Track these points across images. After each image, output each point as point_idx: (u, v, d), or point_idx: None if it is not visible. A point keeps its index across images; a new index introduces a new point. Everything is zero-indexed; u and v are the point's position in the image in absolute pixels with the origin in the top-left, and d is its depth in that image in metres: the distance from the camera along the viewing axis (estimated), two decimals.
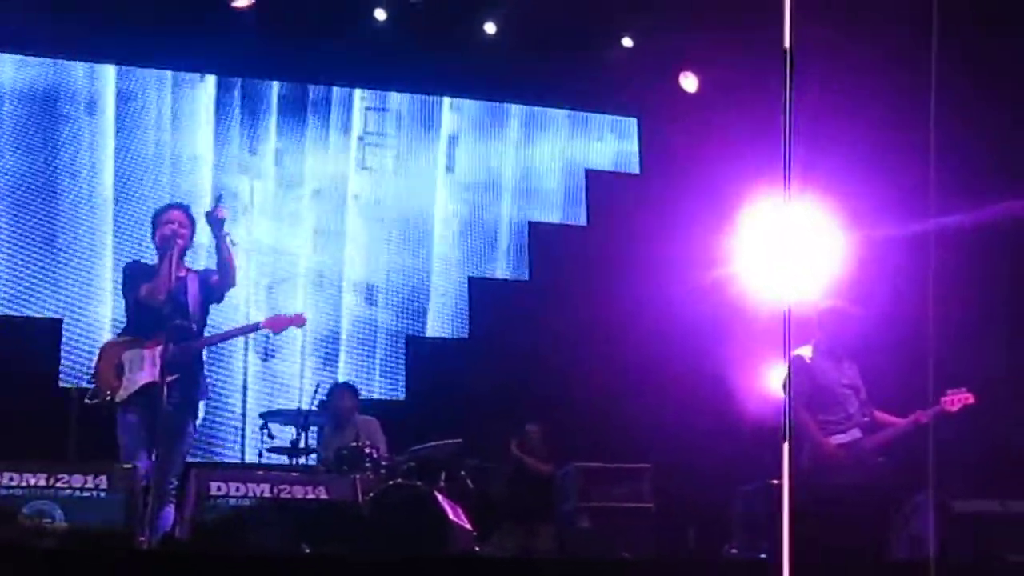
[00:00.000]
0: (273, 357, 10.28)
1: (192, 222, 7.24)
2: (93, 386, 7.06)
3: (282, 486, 6.50)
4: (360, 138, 10.97)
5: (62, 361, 9.77)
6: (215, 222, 7.00)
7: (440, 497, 7.05)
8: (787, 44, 3.64)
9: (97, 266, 10.06)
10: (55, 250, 10.03)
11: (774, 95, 3.74)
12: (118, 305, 8.92)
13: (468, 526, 7.29)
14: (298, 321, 7.71)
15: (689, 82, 10.79)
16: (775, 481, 7.45)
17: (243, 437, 10.04)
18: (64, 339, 9.83)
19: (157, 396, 6.64)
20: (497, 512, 9.30)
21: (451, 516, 6.90)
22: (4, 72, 10.14)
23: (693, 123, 10.56)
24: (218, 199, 7.10)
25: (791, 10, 3.65)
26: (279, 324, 7.60)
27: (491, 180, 11.26)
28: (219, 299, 7.36)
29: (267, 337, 9.66)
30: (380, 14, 10.22)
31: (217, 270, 7.15)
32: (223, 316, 8.24)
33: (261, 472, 6.71)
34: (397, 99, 11.09)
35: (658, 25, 10.40)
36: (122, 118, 10.36)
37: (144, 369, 6.87)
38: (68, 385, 9.55)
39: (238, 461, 9.87)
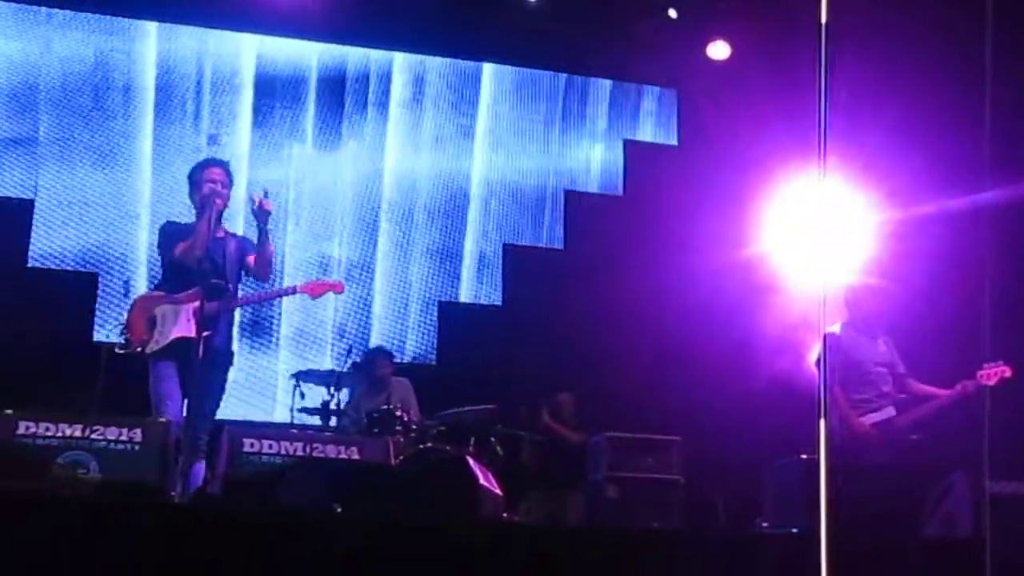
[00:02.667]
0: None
1: (231, 180, 7.25)
2: (124, 337, 7.07)
3: (315, 445, 6.51)
4: (397, 104, 10.93)
5: (96, 316, 9.81)
6: (261, 214, 7.01)
7: (471, 461, 7.04)
8: (823, 18, 3.60)
9: (133, 224, 10.09)
10: (93, 206, 10.05)
11: (811, 67, 3.70)
12: (154, 264, 9.02)
13: (498, 491, 7.29)
14: (337, 287, 7.65)
15: (719, 50, 10.68)
16: (806, 456, 7.44)
17: (275, 396, 10.05)
18: (99, 295, 9.88)
19: (190, 350, 6.66)
20: (526, 480, 9.31)
21: (481, 480, 6.89)
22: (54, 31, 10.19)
23: (731, 95, 10.48)
24: (264, 192, 7.05)
25: None
26: (317, 289, 7.54)
27: (529, 148, 11.20)
28: (248, 275, 7.39)
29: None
30: None
31: (255, 262, 7.16)
32: None
33: (295, 431, 6.71)
34: (435, 64, 11.05)
35: None
36: (161, 82, 10.37)
37: (178, 323, 6.89)
38: (102, 340, 9.59)
39: (269, 420, 9.87)
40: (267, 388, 10.11)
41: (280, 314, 10.23)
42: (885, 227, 8.80)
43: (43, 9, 10.17)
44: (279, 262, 9.96)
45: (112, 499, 5.63)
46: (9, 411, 6.19)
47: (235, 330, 7.39)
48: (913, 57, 9.04)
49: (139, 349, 6.93)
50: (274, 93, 10.62)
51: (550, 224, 11.15)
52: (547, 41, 10.71)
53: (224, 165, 7.34)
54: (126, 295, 7.17)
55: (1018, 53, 7.83)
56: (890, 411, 7.68)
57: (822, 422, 3.94)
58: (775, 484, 8.06)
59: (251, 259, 7.18)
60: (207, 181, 7.13)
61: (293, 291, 7.61)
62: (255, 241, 7.16)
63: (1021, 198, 8.00)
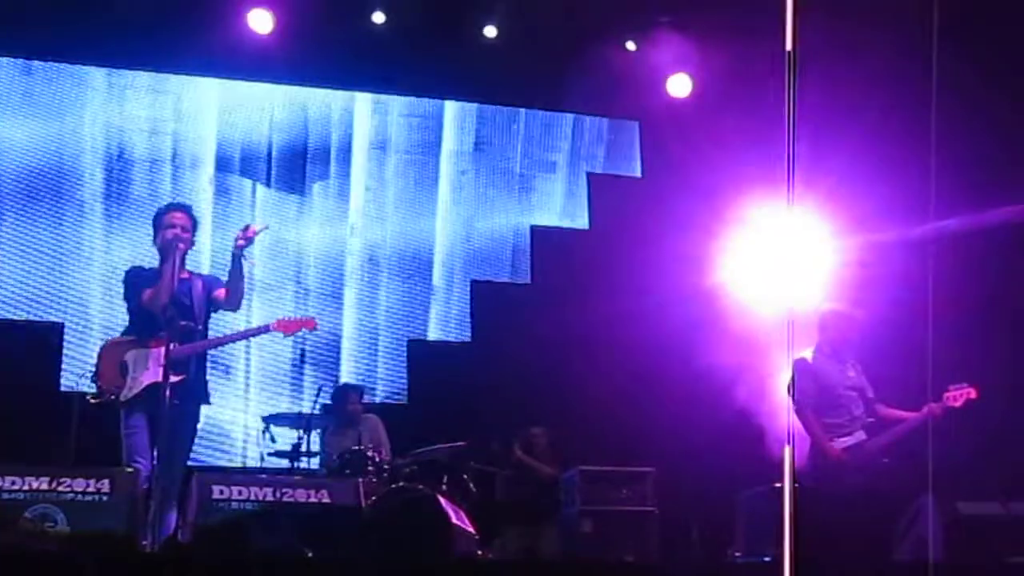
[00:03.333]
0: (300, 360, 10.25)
1: (194, 223, 7.23)
2: (96, 386, 7.03)
3: (285, 490, 6.50)
4: (360, 145, 10.95)
5: (64, 365, 9.76)
6: (238, 253, 7.01)
7: (442, 500, 7.03)
8: (789, 45, 3.63)
9: (95, 270, 10.05)
10: (56, 255, 10.01)
11: (772, 97, 3.73)
12: (116, 309, 8.98)
13: (471, 529, 7.28)
14: (309, 324, 7.63)
15: (680, 85, 10.76)
16: (778, 485, 7.45)
17: (245, 441, 10.00)
18: (65, 343, 9.82)
19: (161, 397, 6.64)
20: (500, 515, 9.30)
21: (453, 519, 6.88)
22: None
23: (693, 125, 10.54)
24: (245, 228, 7.05)
25: (792, 12, 3.64)
26: (290, 327, 7.52)
27: (493, 184, 11.23)
28: (216, 310, 7.38)
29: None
30: (378, 17, 10.20)
31: (227, 294, 7.15)
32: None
33: (264, 476, 6.69)
34: (397, 103, 11.07)
35: (659, 29, 10.41)
36: (117, 122, 10.35)
37: (149, 368, 6.88)
38: (70, 389, 9.53)
39: (241, 465, 9.82)
40: (236, 433, 10.05)
41: (249, 357, 10.18)
42: (850, 253, 8.86)
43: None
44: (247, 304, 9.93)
45: (81, 551, 5.59)
46: None
47: (207, 373, 7.32)
48: (876, 82, 9.14)
49: (112, 397, 6.89)
50: (235, 131, 10.61)
51: (516, 260, 11.16)
52: (507, 77, 10.73)
53: (187, 209, 7.34)
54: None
55: (976, 73, 7.94)
56: (861, 435, 7.73)
57: (787, 448, 3.95)
58: (747, 513, 8.08)
59: (220, 293, 7.18)
60: (168, 226, 7.12)
61: (266, 329, 7.55)
62: (222, 278, 7.15)
63: (983, 224, 8.08)
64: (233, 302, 7.21)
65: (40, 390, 9.49)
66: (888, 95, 8.97)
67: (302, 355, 9.35)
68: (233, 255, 7.04)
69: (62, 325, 9.86)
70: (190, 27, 9.80)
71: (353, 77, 10.87)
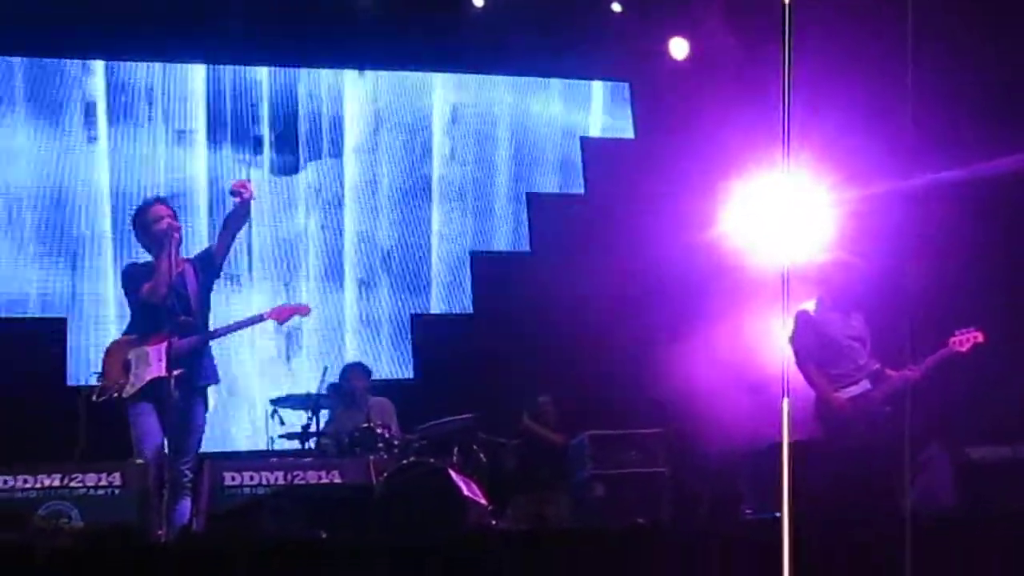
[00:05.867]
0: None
1: (176, 214, 7.25)
2: (100, 384, 7.06)
3: (296, 472, 6.53)
4: (353, 119, 10.92)
5: (68, 360, 9.78)
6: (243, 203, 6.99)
7: (453, 473, 7.05)
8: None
9: (98, 264, 10.05)
10: (58, 250, 10.02)
11: (764, 54, 3.72)
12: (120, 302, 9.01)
13: (483, 501, 7.30)
14: (302, 310, 7.69)
15: (678, 47, 10.72)
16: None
17: (254, 424, 10.03)
18: (68, 338, 9.85)
19: (165, 390, 6.67)
20: (511, 484, 9.32)
21: (465, 492, 6.90)
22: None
23: (685, 85, 10.52)
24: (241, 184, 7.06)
25: None
26: (283, 313, 7.56)
27: (487, 153, 11.21)
28: (217, 274, 7.37)
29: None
30: None
31: (218, 248, 7.18)
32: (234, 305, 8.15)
33: (275, 460, 6.72)
34: (388, 77, 11.04)
35: None
36: (114, 114, 10.31)
37: (151, 364, 6.88)
38: (76, 384, 9.56)
39: (252, 449, 9.85)
40: (246, 417, 10.07)
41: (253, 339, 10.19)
42: (848, 205, 8.85)
43: None
44: (245, 291, 9.96)
45: (96, 546, 5.62)
46: None
47: (211, 359, 7.33)
48: (874, 33, 9.08)
49: (116, 394, 6.92)
50: (226, 119, 10.58)
51: (514, 227, 11.15)
52: (496, 45, 10.69)
53: (165, 201, 7.38)
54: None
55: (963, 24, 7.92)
56: (865, 384, 7.73)
57: (784, 401, 3.96)
58: (753, 469, 8.08)
59: (215, 248, 7.21)
60: (155, 219, 7.13)
61: (261, 319, 7.54)
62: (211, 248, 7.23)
63: (988, 173, 8.08)
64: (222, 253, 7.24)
65: (47, 385, 9.49)
66: (882, 45, 8.93)
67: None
68: (235, 211, 7.06)
69: (64, 320, 9.85)
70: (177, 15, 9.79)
71: (341, 55, 10.82)
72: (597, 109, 11.49)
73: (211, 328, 7.26)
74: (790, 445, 3.94)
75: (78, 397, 8.41)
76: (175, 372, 6.68)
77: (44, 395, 9.38)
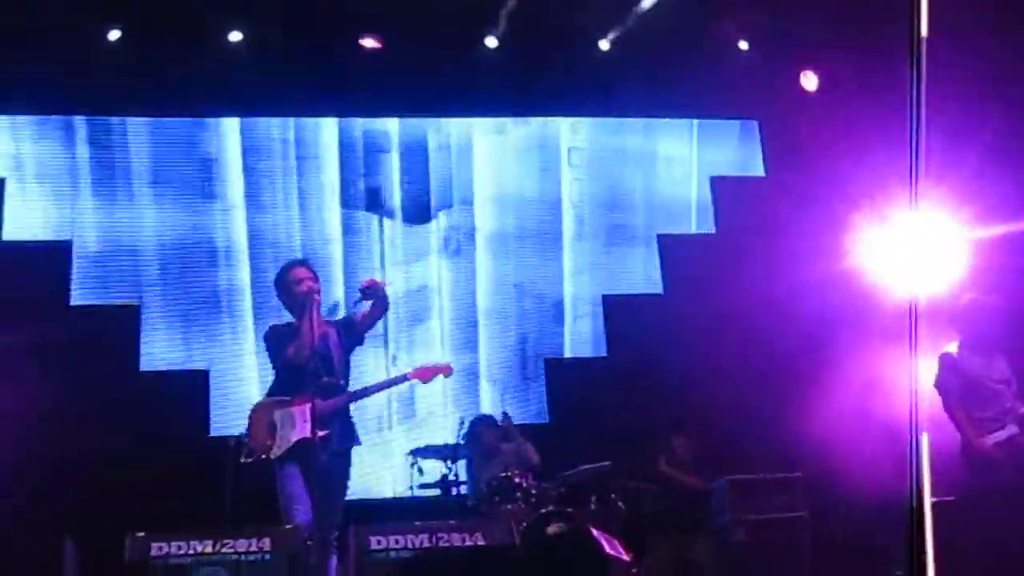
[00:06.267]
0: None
1: (316, 276, 7.40)
2: (247, 446, 7.24)
3: (440, 534, 6.58)
4: (482, 165, 10.99)
5: (211, 412, 10.00)
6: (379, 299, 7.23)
7: (594, 531, 7.06)
8: (924, 31, 3.55)
9: (239, 317, 10.27)
10: (201, 304, 10.25)
11: (897, 88, 3.67)
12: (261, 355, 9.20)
13: (625, 557, 7.29)
14: (445, 370, 7.80)
15: (809, 81, 10.63)
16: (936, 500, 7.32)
17: (393, 474, 10.12)
18: (212, 390, 10.07)
19: (311, 451, 6.82)
20: (650, 529, 9.29)
21: (607, 550, 6.91)
22: (139, 136, 10.38)
23: (814, 120, 10.40)
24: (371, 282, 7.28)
25: None
26: (426, 374, 7.66)
27: (617, 195, 11.19)
28: (360, 341, 7.52)
29: None
30: (491, 42, 10.26)
31: (365, 319, 7.36)
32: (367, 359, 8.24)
33: (419, 523, 6.82)
34: (516, 123, 11.10)
35: (774, 25, 10.29)
36: (249, 169, 10.52)
37: (296, 427, 7.02)
38: (218, 435, 9.76)
39: (390, 497, 9.95)
40: (386, 468, 10.17)
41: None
42: (985, 243, 8.68)
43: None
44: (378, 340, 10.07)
45: None
46: (141, 533, 6.37)
47: (351, 420, 7.45)
48: (1014, 71, 8.92)
49: (263, 456, 7.06)
50: (358, 170, 10.73)
51: (646, 269, 11.12)
52: (623, 87, 10.68)
53: (306, 263, 7.56)
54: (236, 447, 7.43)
55: None
56: (1012, 428, 7.58)
57: (918, 443, 3.85)
58: (895, 523, 7.91)
59: (360, 317, 7.40)
60: (296, 281, 7.29)
61: (404, 379, 7.68)
62: (354, 318, 7.42)
63: None
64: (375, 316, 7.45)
65: (191, 437, 9.71)
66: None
67: None
68: (374, 307, 7.24)
69: (207, 373, 10.08)
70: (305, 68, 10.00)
71: (466, 103, 10.89)
72: (727, 148, 11.38)
73: (352, 389, 7.39)
74: (936, 505, 3.86)
75: (227, 450, 8.61)
76: (320, 434, 6.82)
77: (188, 447, 9.57)
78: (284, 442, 7.03)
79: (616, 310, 10.96)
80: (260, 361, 9.54)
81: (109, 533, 7.00)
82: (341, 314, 8.89)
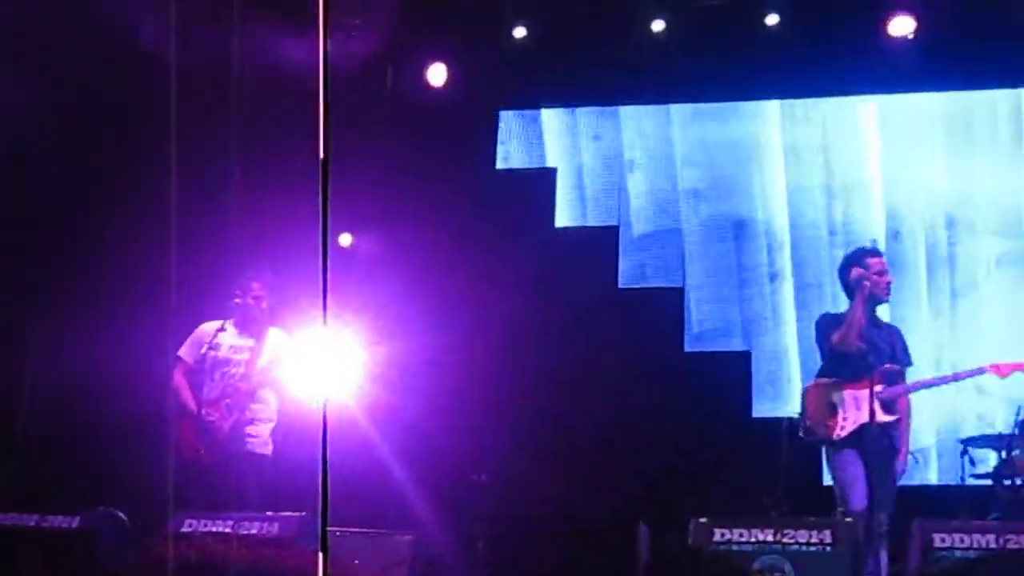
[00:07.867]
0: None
1: (884, 269, 7.34)
2: (806, 424, 7.33)
3: (1008, 536, 6.36)
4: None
5: (753, 392, 10.12)
6: None
7: None
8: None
9: (781, 296, 10.32)
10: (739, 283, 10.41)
11: None
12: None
13: None
14: (1022, 367, 7.38)
15: None
16: None
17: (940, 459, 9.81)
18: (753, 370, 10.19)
19: (869, 437, 6.88)
20: None
21: None
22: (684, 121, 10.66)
23: None
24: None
25: None
26: (1005, 370, 7.32)
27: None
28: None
29: None
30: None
31: None
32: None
33: (985, 523, 6.60)
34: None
35: None
36: (788, 149, 10.49)
37: (859, 409, 7.04)
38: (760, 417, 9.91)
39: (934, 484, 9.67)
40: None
41: None
42: None
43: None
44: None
45: None
46: (704, 519, 6.62)
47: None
48: None
49: (823, 436, 7.19)
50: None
51: None
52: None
53: (876, 252, 7.56)
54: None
55: None
56: None
57: None
58: None
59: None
60: (854, 265, 7.28)
61: (981, 371, 7.42)
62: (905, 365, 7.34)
63: None
64: None
65: (735, 419, 9.90)
66: None
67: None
68: None
69: (749, 354, 10.23)
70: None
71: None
72: None
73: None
74: None
75: (781, 429, 8.73)
76: (887, 419, 6.84)
77: (732, 428, 9.78)
78: (847, 423, 7.08)
79: None
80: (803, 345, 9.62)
81: (668, 516, 7.35)
82: None
